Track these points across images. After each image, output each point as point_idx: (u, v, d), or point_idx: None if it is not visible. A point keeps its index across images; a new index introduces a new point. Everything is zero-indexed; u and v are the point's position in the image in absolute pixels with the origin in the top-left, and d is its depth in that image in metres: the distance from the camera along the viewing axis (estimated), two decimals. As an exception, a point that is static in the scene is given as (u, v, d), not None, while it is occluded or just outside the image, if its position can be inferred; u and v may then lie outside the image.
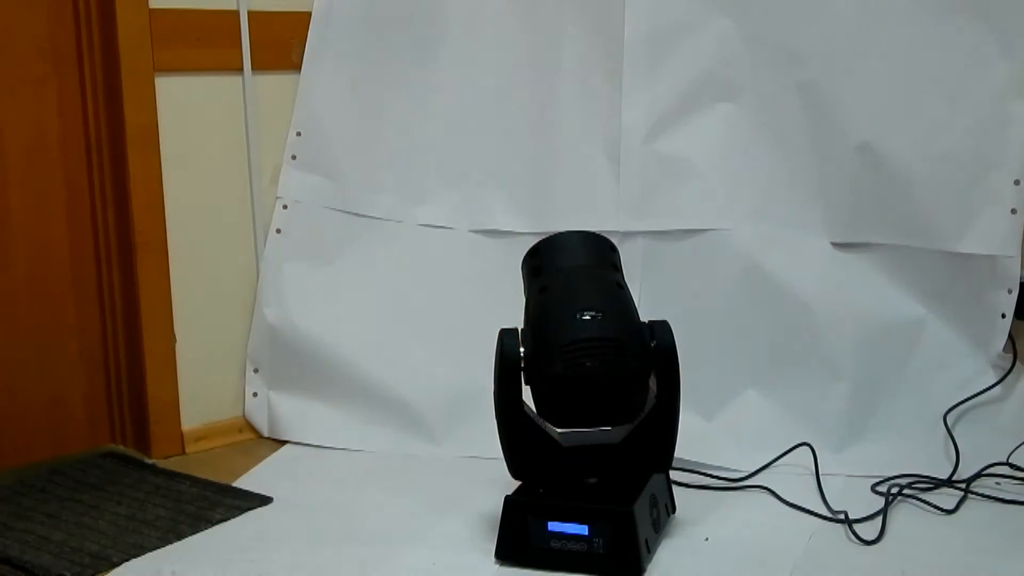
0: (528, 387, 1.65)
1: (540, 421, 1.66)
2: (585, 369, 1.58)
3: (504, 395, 1.64)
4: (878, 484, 1.91)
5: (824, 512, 1.81)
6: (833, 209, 2.11)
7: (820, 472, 1.94)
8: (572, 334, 1.59)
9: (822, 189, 2.11)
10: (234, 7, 2.20)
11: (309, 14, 2.27)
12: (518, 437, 1.65)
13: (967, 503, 1.84)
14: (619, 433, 1.68)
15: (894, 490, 1.86)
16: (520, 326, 1.68)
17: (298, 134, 2.29)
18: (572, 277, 1.68)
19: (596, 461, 1.67)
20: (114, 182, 2.14)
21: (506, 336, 1.64)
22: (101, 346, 2.21)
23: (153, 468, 2.10)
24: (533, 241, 2.21)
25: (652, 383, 1.67)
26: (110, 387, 2.22)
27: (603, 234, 1.94)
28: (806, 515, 1.81)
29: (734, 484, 1.94)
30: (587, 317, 1.60)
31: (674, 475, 1.88)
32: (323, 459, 2.14)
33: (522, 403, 1.64)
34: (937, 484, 1.90)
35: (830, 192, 2.10)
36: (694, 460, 1.99)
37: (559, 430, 1.68)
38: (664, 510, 1.74)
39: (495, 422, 1.67)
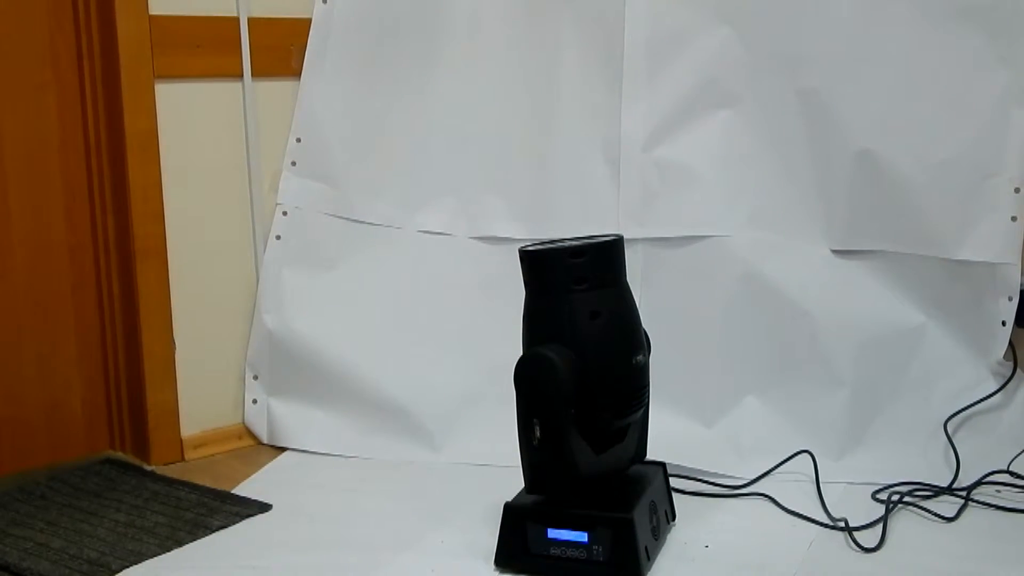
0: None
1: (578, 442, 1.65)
2: (628, 418, 1.67)
3: (559, 420, 1.60)
4: (878, 492, 1.91)
5: (824, 519, 1.81)
6: (833, 216, 2.11)
7: (820, 479, 1.94)
8: (629, 382, 1.64)
9: (822, 196, 2.11)
10: (234, 14, 2.21)
11: (309, 21, 2.28)
12: (571, 454, 1.61)
13: (967, 511, 1.84)
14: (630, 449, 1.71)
15: (894, 498, 1.86)
16: (521, 325, 1.67)
17: (298, 140, 2.29)
18: (621, 305, 1.64)
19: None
20: (114, 188, 2.14)
21: (556, 356, 1.58)
22: (100, 352, 2.21)
23: (152, 475, 2.10)
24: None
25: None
26: (109, 393, 2.22)
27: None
28: (806, 522, 1.80)
29: (734, 491, 1.94)
30: (639, 359, 1.64)
31: (674, 482, 1.88)
32: (322, 466, 2.14)
33: (573, 427, 1.61)
34: (937, 492, 1.89)
35: (830, 199, 2.10)
36: (694, 467, 1.98)
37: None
38: (664, 517, 1.74)
39: (518, 438, 1.65)
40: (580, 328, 1.60)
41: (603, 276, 1.62)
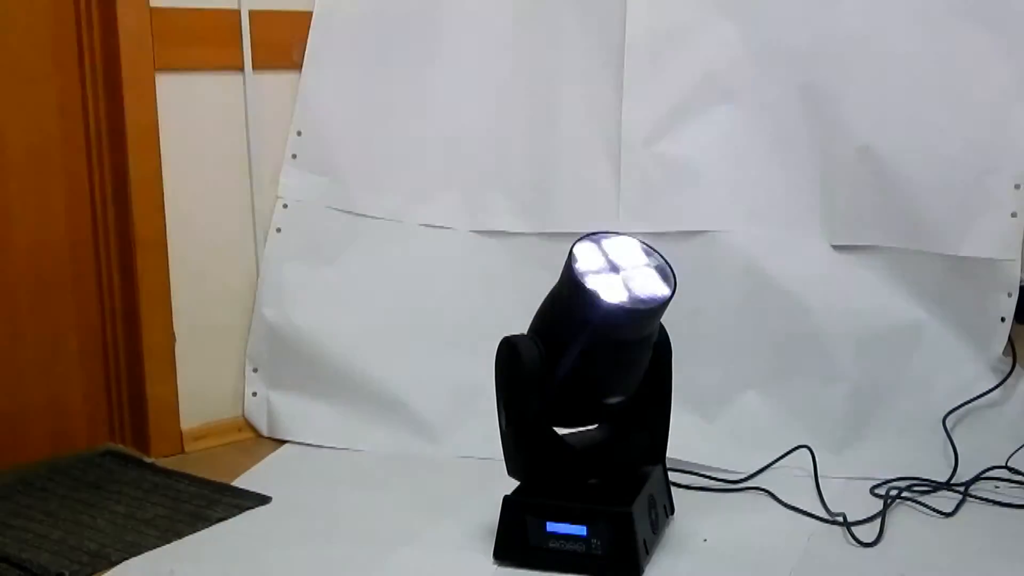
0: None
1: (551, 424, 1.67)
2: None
3: (521, 407, 1.62)
4: (877, 487, 1.91)
5: (823, 514, 1.81)
6: (834, 211, 2.11)
7: (819, 474, 1.94)
8: (589, 412, 1.67)
9: (823, 191, 2.11)
10: (235, 6, 2.20)
11: (310, 13, 2.27)
12: (534, 443, 1.64)
13: (966, 506, 1.84)
14: (608, 431, 1.72)
15: (893, 493, 1.86)
16: (525, 328, 1.67)
17: (298, 133, 2.29)
18: (627, 350, 1.61)
19: (598, 459, 1.67)
20: (114, 181, 2.14)
21: (523, 345, 1.60)
22: (101, 345, 2.21)
23: (152, 467, 2.10)
24: (533, 241, 2.23)
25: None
26: (109, 386, 2.22)
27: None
28: (805, 517, 1.81)
29: (733, 486, 1.94)
30: (611, 401, 1.64)
31: (673, 476, 1.88)
32: (322, 459, 2.14)
33: (541, 412, 1.62)
34: (936, 487, 1.90)
35: (831, 194, 2.10)
36: (693, 461, 1.99)
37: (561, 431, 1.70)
38: (663, 511, 1.74)
39: (497, 423, 1.68)
40: (575, 348, 1.59)
41: (622, 333, 1.58)
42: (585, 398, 1.64)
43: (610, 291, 1.54)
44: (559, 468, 1.65)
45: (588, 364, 1.59)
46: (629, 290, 1.56)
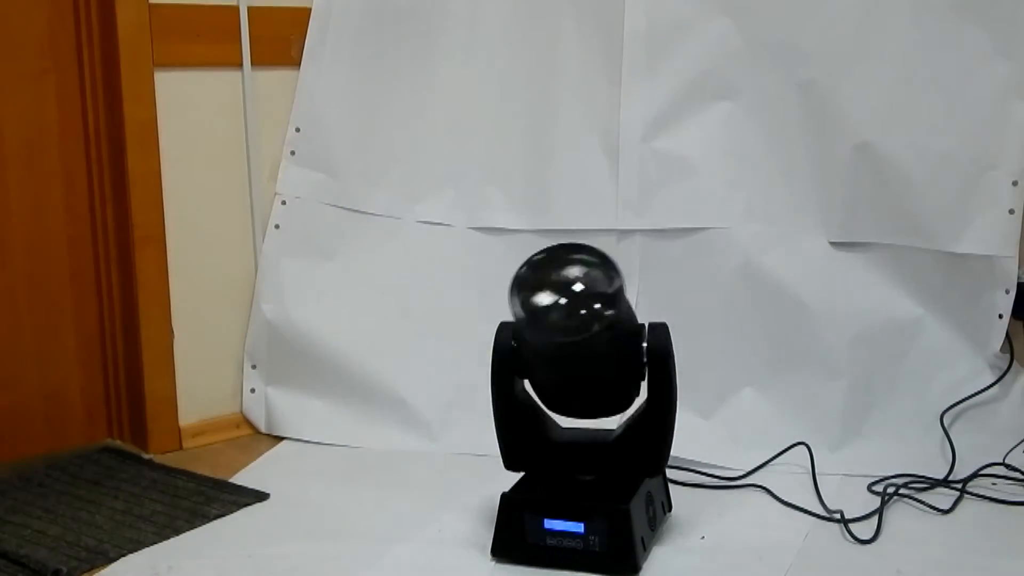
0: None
1: (539, 413, 1.69)
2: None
3: (497, 385, 1.67)
4: (874, 484, 1.91)
5: (820, 511, 1.81)
6: (831, 208, 2.11)
7: (816, 471, 1.94)
8: (564, 405, 1.68)
9: (821, 188, 2.11)
10: (234, 2, 2.20)
11: (309, 10, 2.27)
12: (511, 427, 1.68)
13: (963, 503, 1.84)
14: (611, 433, 1.70)
15: (890, 490, 1.86)
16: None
17: (297, 130, 2.29)
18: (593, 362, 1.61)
19: (589, 458, 1.67)
20: (113, 177, 2.14)
21: (501, 330, 1.67)
22: (99, 341, 2.21)
23: (150, 463, 2.11)
24: (531, 238, 2.23)
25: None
26: (108, 382, 2.22)
27: (601, 232, 2.07)
28: (802, 514, 1.81)
29: (730, 483, 1.94)
30: (577, 408, 1.67)
31: (671, 473, 1.89)
32: (320, 455, 2.14)
33: (515, 393, 1.66)
34: (933, 484, 1.90)
35: (828, 191, 2.10)
36: (691, 459, 1.99)
37: (562, 425, 1.70)
38: (660, 508, 1.74)
39: (492, 415, 1.69)
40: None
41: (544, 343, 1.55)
42: (552, 398, 1.67)
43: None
44: (539, 454, 1.67)
45: (539, 366, 1.64)
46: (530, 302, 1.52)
